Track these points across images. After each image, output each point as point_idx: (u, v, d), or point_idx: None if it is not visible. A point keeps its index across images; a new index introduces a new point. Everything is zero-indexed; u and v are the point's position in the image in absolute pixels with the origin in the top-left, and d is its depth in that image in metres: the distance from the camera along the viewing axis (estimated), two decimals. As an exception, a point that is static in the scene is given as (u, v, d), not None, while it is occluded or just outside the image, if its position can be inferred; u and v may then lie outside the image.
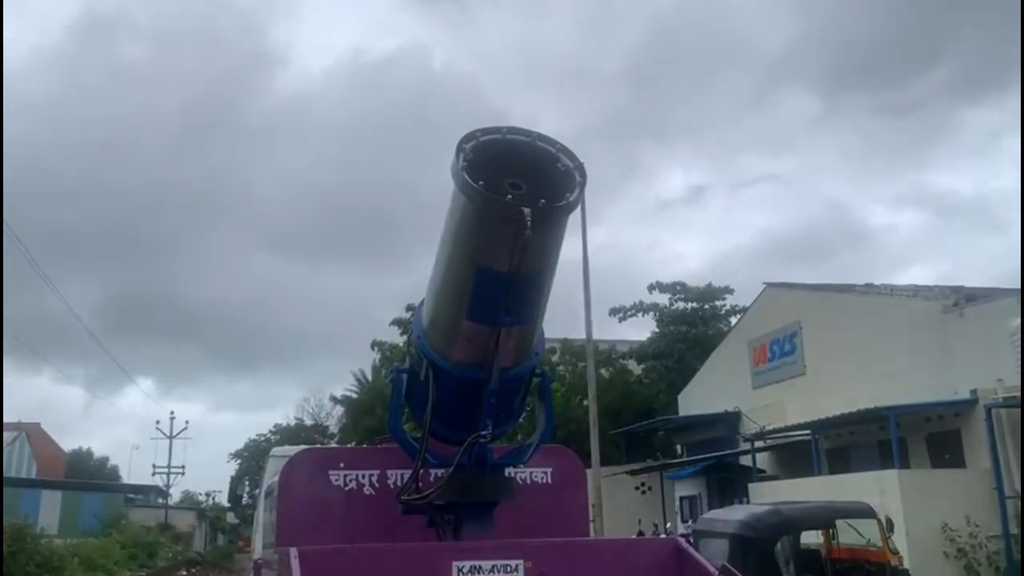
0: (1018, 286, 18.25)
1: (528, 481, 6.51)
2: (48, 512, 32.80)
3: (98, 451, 78.48)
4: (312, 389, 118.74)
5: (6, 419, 49.04)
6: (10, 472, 42.99)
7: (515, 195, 4.52)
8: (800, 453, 21.85)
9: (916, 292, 21.52)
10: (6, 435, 45.29)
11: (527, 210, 4.40)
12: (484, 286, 4.87)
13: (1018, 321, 15.41)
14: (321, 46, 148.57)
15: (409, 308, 35.34)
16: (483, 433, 5.29)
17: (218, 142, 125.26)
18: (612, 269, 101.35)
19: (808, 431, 20.52)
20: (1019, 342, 15.18)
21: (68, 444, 69.02)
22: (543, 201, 4.49)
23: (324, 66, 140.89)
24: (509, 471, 5.88)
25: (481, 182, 4.46)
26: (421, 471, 5.84)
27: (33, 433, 50.94)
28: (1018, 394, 15.48)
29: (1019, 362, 15.15)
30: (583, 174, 4.80)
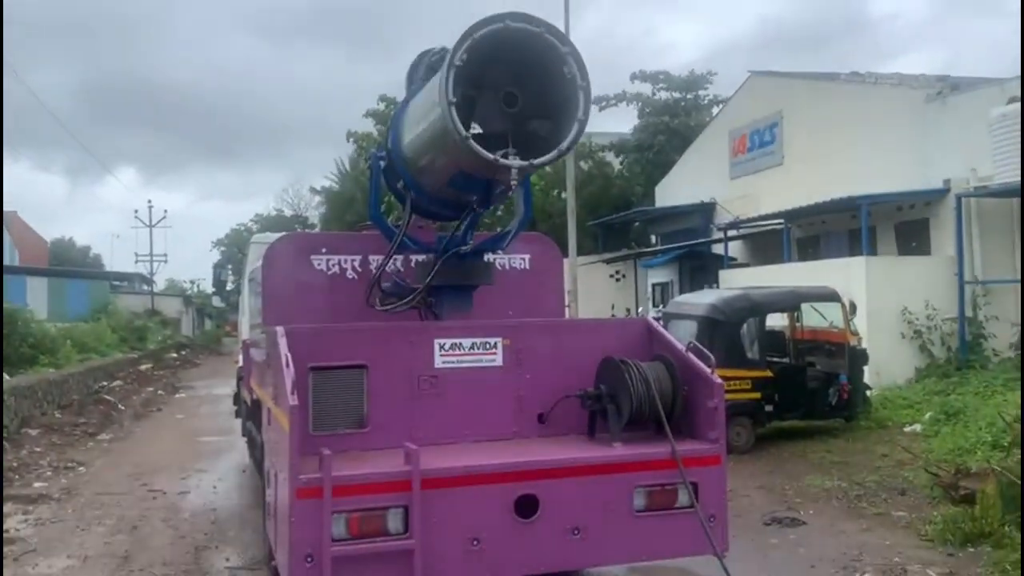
0: (1008, 76, 18.02)
1: (507, 267, 6.68)
2: (35, 299, 33.33)
3: (81, 240, 78.95)
4: (292, 179, 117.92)
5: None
6: (-8, 260, 43.29)
7: (507, 114, 4.48)
8: (772, 242, 22.35)
9: (901, 81, 21.15)
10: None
11: (515, 170, 4.41)
12: (464, 179, 4.93)
13: (999, 110, 15.31)
14: None
15: (383, 99, 34.43)
16: (463, 248, 5.50)
17: None
18: (607, 58, 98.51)
19: (781, 220, 20.88)
20: (999, 130, 15.15)
21: (50, 233, 69.25)
22: (531, 162, 4.45)
23: None
24: (488, 257, 6.02)
25: (469, 134, 4.30)
26: (403, 256, 6.00)
27: (13, 222, 50.76)
28: (989, 184, 15.70)
29: (995, 151, 15.21)
30: (587, 96, 4.53)
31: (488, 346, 5.27)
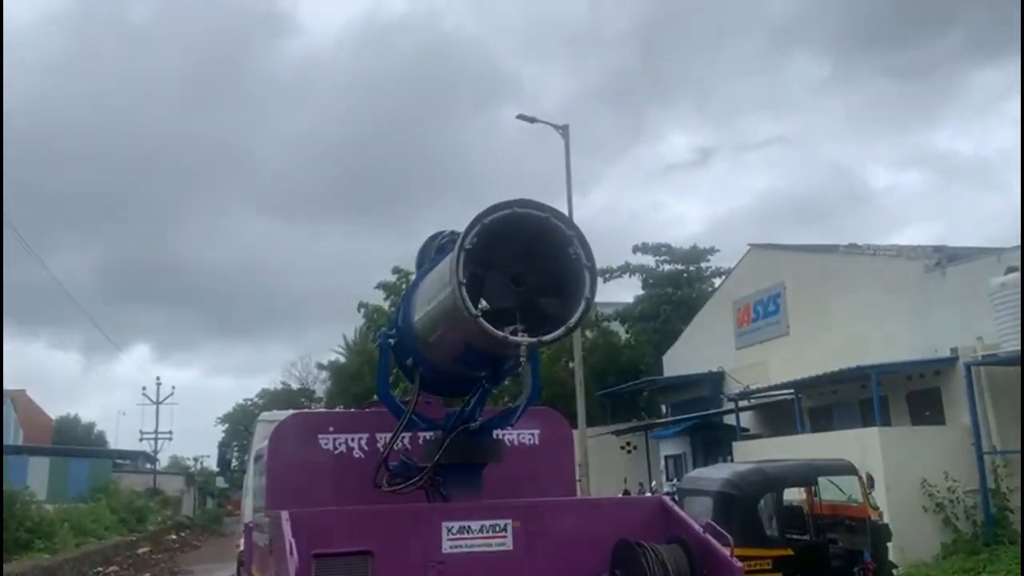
0: (1003, 245, 18.45)
1: (516, 443, 6.59)
2: (36, 478, 32.77)
3: (92, 417, 78.80)
4: (301, 353, 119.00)
5: (-10, 387, 48.91)
6: (-3, 439, 42.93)
7: (516, 292, 4.57)
8: (783, 412, 22.13)
9: (899, 252, 21.67)
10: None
11: (524, 347, 4.51)
12: (474, 356, 4.99)
13: (998, 279, 15.57)
14: (332, 8, 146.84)
15: (396, 271, 35.30)
16: (473, 424, 5.44)
17: (223, 105, 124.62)
18: (615, 231, 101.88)
19: (791, 390, 20.76)
20: (1000, 300, 15.34)
21: (65, 410, 69.22)
22: (539, 339, 4.55)
23: (334, 29, 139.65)
24: (497, 433, 5.96)
25: (479, 312, 4.39)
26: (411, 434, 5.93)
27: (19, 400, 50.77)
28: (996, 352, 15.70)
29: (998, 320, 15.33)
30: (593, 276, 4.72)
31: (498, 529, 5.11)
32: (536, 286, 4.74)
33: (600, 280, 29.90)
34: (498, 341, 4.48)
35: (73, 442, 57.99)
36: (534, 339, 4.51)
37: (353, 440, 6.35)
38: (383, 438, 6.16)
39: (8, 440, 45.42)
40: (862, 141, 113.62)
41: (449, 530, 5.02)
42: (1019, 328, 14.41)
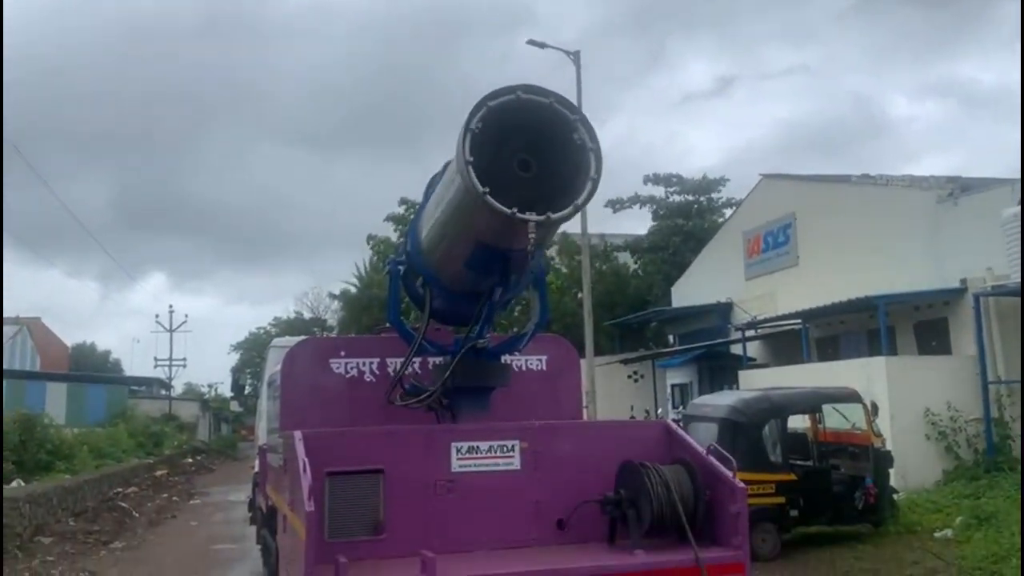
0: (1018, 177, 18.23)
1: (524, 368, 6.69)
2: (54, 404, 33.43)
3: (108, 345, 79.74)
4: (313, 283, 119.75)
5: (7, 314, 49.51)
6: (14, 365, 43.68)
7: (523, 179, 4.49)
8: (791, 342, 22.25)
9: (912, 182, 21.45)
10: (8, 330, 45.75)
11: (532, 224, 4.39)
12: (482, 254, 4.94)
13: (1011, 210, 15.45)
14: None
15: (403, 202, 35.22)
16: (481, 340, 5.47)
17: (238, 42, 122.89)
18: (631, 162, 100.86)
19: (799, 320, 20.83)
20: (1012, 231, 15.25)
21: (81, 338, 70.07)
22: (548, 215, 4.44)
23: None
24: (505, 358, 6.04)
25: (487, 189, 4.32)
26: (420, 359, 6.02)
27: (35, 328, 51.48)
28: (1006, 282, 15.68)
29: (1009, 251, 15.27)
30: (598, 159, 4.62)
31: (505, 449, 5.23)
32: (543, 172, 4.69)
33: (610, 210, 29.62)
34: (507, 224, 4.43)
35: (89, 369, 58.91)
36: (541, 216, 4.44)
37: (364, 364, 6.45)
38: (393, 363, 6.26)
39: (26, 366, 46.24)
40: (883, 71, 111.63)
41: (458, 450, 5.14)
42: (1030, 259, 14.35)
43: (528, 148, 4.70)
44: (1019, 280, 15.00)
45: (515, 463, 5.22)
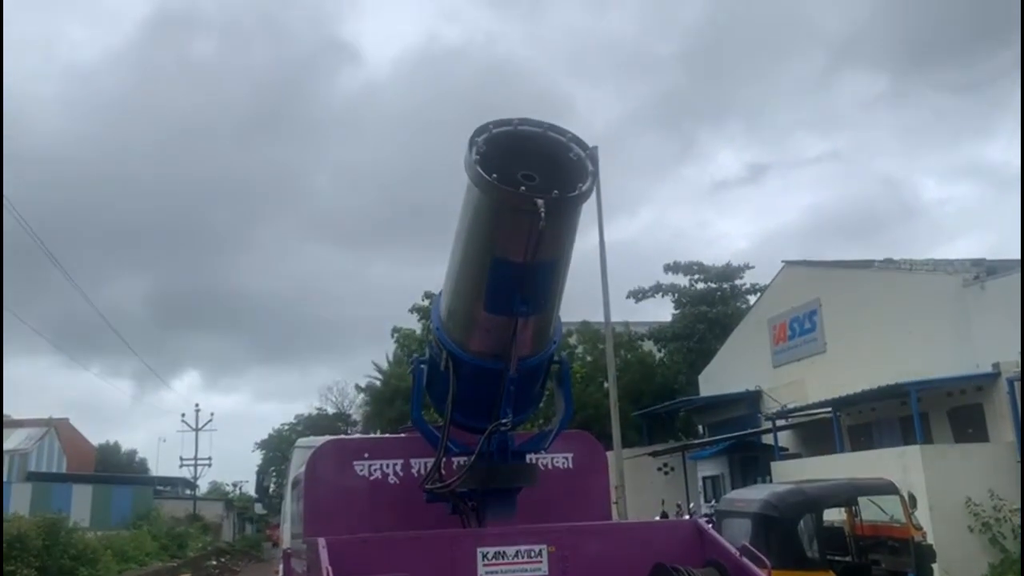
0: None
1: (550, 466, 6.59)
2: (80, 506, 33.35)
3: (137, 444, 79.84)
4: (338, 378, 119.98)
5: (37, 415, 49.89)
6: (41, 467, 43.74)
7: (528, 186, 4.52)
8: (822, 431, 21.82)
9: (936, 266, 21.37)
10: (35, 431, 46.04)
11: (540, 201, 4.43)
12: (500, 277, 4.91)
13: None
14: (390, 37, 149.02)
15: (427, 296, 35.51)
16: (503, 421, 5.36)
17: (281, 136, 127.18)
18: (661, 251, 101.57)
19: (829, 408, 20.48)
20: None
21: (112, 437, 70.38)
22: (556, 192, 4.51)
23: (392, 57, 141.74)
24: (530, 457, 5.97)
25: (495, 175, 4.48)
26: (444, 460, 5.94)
27: (62, 428, 51.69)
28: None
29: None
30: (595, 163, 4.81)
31: (533, 554, 5.11)
32: (545, 181, 4.66)
33: (632, 301, 29.74)
34: (520, 221, 4.50)
35: (114, 469, 58.80)
36: (550, 194, 4.47)
37: (388, 466, 6.39)
38: (417, 464, 6.20)
39: (52, 467, 46.28)
40: (914, 155, 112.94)
41: (484, 555, 5.04)
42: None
43: (529, 167, 4.75)
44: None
45: (543, 568, 5.10)
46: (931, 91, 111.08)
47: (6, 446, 42.70)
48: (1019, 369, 15.98)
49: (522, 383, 5.41)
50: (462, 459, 5.94)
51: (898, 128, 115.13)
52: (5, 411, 56.76)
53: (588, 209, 22.17)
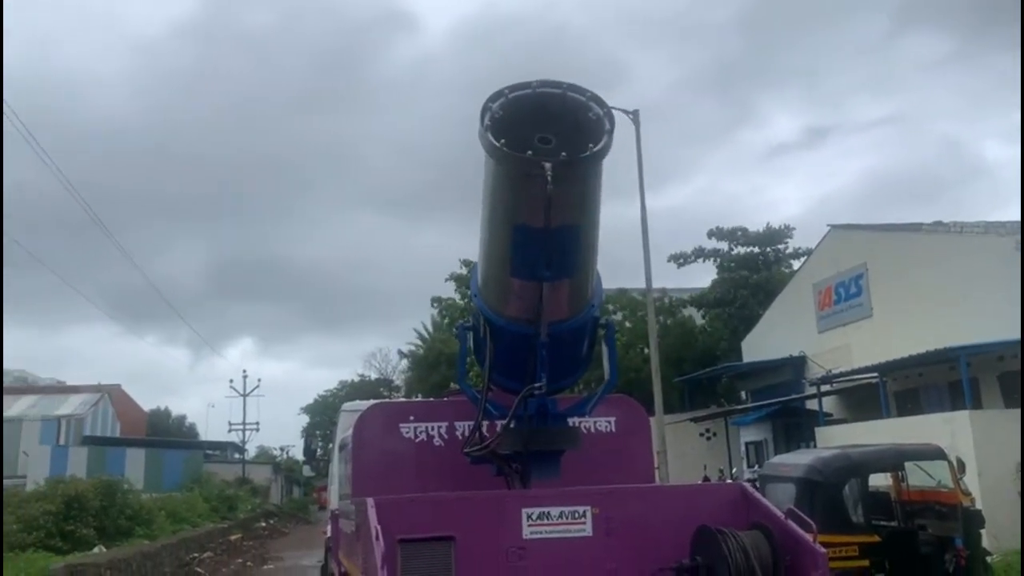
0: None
1: (593, 430, 6.64)
2: (133, 469, 34.29)
3: (185, 410, 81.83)
4: (381, 344, 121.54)
5: (90, 382, 51.32)
6: (95, 432, 45.03)
7: (541, 150, 4.47)
8: (868, 396, 21.58)
9: (987, 228, 20.85)
10: (90, 397, 47.38)
11: (548, 164, 4.40)
12: (522, 242, 4.92)
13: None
14: (445, 5, 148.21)
15: (465, 264, 35.65)
16: (536, 385, 5.40)
17: (335, 106, 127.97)
18: (713, 216, 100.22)
19: (876, 374, 20.22)
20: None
21: (166, 403, 72.36)
22: (564, 154, 4.45)
23: (448, 25, 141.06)
24: (573, 421, 6.01)
25: (502, 140, 4.44)
26: (488, 423, 6.01)
27: (115, 395, 53.10)
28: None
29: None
30: (611, 121, 4.70)
31: (577, 515, 5.16)
32: (562, 143, 4.60)
33: (673, 266, 29.57)
34: (533, 186, 4.45)
35: (164, 434, 60.32)
36: (558, 157, 4.42)
37: (433, 428, 6.50)
38: (461, 426, 6.29)
39: (107, 432, 47.65)
40: (977, 117, 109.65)
41: (529, 516, 5.10)
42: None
43: (547, 129, 4.68)
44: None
45: (587, 529, 5.14)
46: (997, 52, 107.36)
47: (61, 411, 44.08)
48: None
49: (559, 347, 5.43)
50: (508, 422, 6.01)
51: (961, 90, 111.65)
52: (61, 378, 58.65)
53: (630, 175, 22.01)
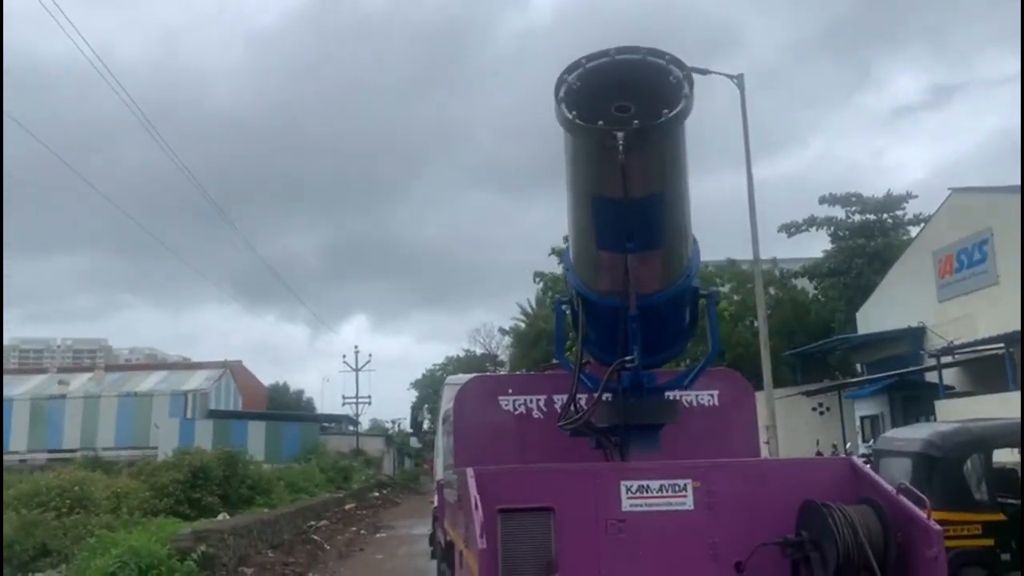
0: None
1: (695, 404, 6.55)
2: (254, 441, 36.05)
3: (303, 384, 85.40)
4: (485, 320, 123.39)
5: (215, 358, 53.99)
6: (219, 406, 47.43)
7: (617, 119, 4.37)
8: (993, 368, 20.44)
9: None
10: (214, 372, 49.91)
11: (620, 134, 4.30)
12: (603, 214, 4.86)
13: None
14: None
15: (566, 239, 35.57)
16: (628, 359, 5.33)
17: (445, 85, 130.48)
18: (831, 182, 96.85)
19: (1001, 344, 19.13)
20: None
21: (288, 377, 75.81)
22: (636, 122, 4.33)
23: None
24: (673, 394, 5.92)
25: (574, 112, 4.37)
26: (587, 396, 5.99)
27: (237, 371, 55.74)
28: None
29: None
30: (691, 84, 4.54)
31: (677, 488, 5.10)
32: (641, 111, 4.49)
33: (784, 235, 28.65)
34: (609, 157, 4.37)
35: (284, 408, 62.94)
36: (630, 126, 4.31)
37: (532, 401, 6.54)
38: (560, 399, 6.29)
39: (229, 406, 50.12)
40: None
41: (628, 489, 5.06)
42: None
43: (626, 96, 4.56)
44: None
45: (688, 503, 5.07)
46: None
47: (188, 386, 46.55)
48: None
49: (653, 320, 5.35)
50: (604, 396, 5.98)
51: None
52: (187, 355, 61.84)
53: (740, 141, 21.34)
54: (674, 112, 4.41)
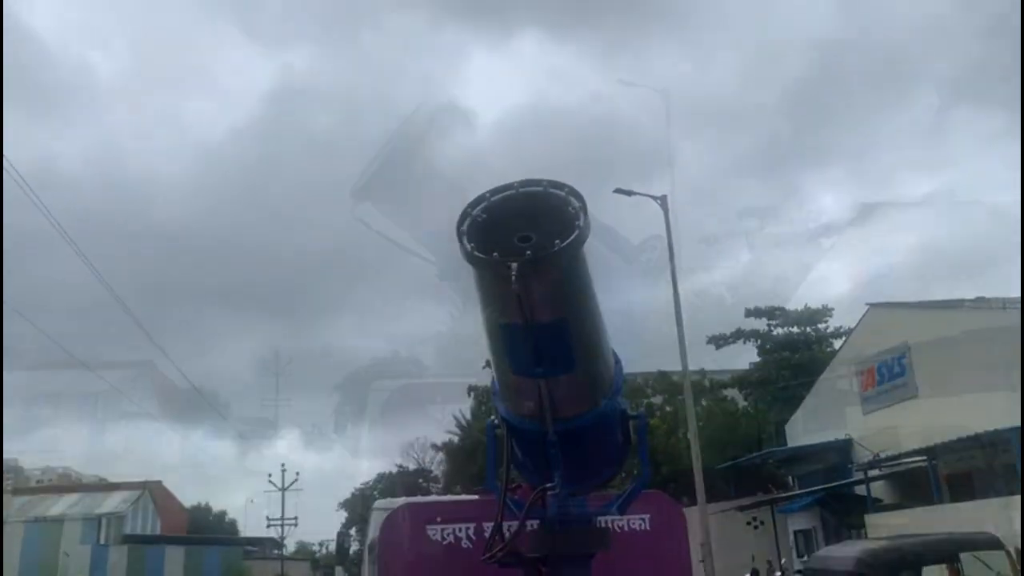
0: None
1: (627, 528, 6.45)
2: (172, 566, 34.14)
3: (229, 504, 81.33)
4: (419, 434, 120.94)
5: (133, 478, 51.47)
6: (136, 529, 44.95)
7: (518, 248, 4.48)
8: (918, 480, 20.82)
9: (1032, 304, 20.37)
10: (130, 494, 47.47)
11: (513, 264, 4.39)
12: (510, 341, 4.93)
13: None
14: (494, 103, 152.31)
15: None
16: (549, 486, 5.28)
17: (390, 202, 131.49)
18: (757, 296, 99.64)
19: (925, 457, 19.55)
20: None
21: (209, 499, 72.37)
22: (528, 253, 4.44)
23: (495, 120, 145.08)
24: (604, 520, 5.84)
25: (472, 244, 4.49)
26: (514, 522, 5.86)
27: (156, 490, 53.13)
28: None
29: None
30: (585, 212, 4.67)
31: (609, 621, 4.96)
32: (540, 240, 4.54)
33: (713, 347, 29.13)
34: (504, 283, 4.42)
35: (205, 530, 59.92)
36: (522, 257, 4.36)
37: (461, 530, 6.36)
38: (489, 527, 6.12)
39: (147, 529, 47.52)
40: None
41: (559, 626, 4.91)
42: None
43: (531, 227, 4.65)
44: None
45: (620, 636, 4.94)
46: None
47: (103, 509, 44.10)
48: None
49: (577, 444, 5.32)
50: (535, 523, 5.86)
51: (1014, 162, 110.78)
52: (103, 475, 58.92)
53: (665, 257, 21.91)
54: (566, 242, 4.53)
